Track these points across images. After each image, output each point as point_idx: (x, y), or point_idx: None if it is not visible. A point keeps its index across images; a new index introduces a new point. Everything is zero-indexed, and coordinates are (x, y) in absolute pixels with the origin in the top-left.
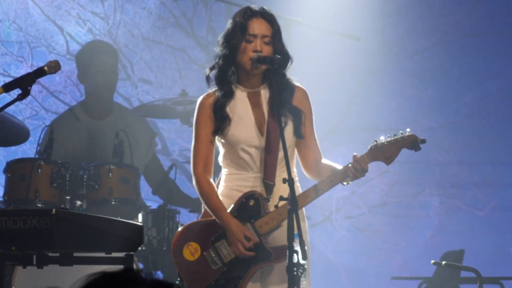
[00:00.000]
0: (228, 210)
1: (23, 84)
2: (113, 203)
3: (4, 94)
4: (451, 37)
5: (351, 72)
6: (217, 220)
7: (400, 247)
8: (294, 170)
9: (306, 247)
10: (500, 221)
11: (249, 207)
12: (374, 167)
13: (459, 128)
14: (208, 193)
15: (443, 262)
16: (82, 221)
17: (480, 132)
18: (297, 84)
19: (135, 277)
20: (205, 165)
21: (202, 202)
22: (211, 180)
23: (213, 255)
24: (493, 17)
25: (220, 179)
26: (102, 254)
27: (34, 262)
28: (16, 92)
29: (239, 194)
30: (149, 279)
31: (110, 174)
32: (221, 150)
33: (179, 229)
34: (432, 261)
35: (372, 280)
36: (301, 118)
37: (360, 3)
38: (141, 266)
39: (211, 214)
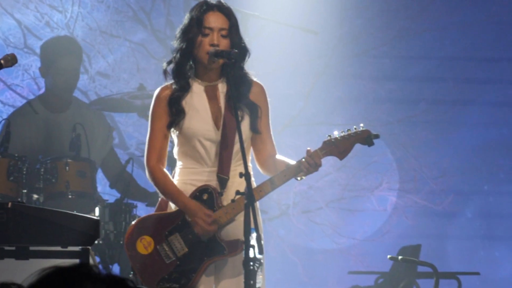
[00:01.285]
0: None
1: None
2: (70, 196)
3: None
4: (409, 31)
5: (308, 66)
6: (176, 205)
7: (357, 241)
8: (250, 165)
9: (262, 242)
10: (457, 215)
11: (203, 201)
12: (331, 161)
13: (417, 123)
14: (163, 181)
15: (400, 257)
16: (38, 214)
17: (437, 126)
18: (255, 79)
19: (89, 272)
20: (159, 157)
21: (158, 191)
22: (165, 170)
23: (167, 249)
24: (451, 10)
25: (174, 173)
26: (58, 248)
27: None
28: None
29: (193, 188)
30: (103, 273)
31: (67, 167)
32: (176, 142)
33: (133, 223)
34: (389, 256)
35: (330, 274)
36: (257, 113)
37: None
38: (98, 259)
39: (169, 200)
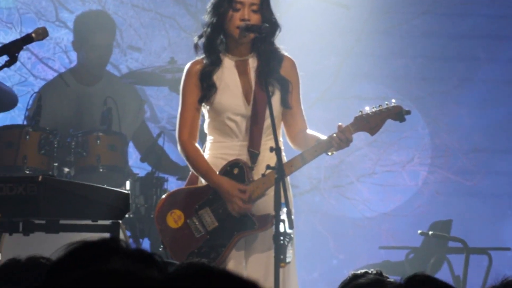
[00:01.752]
0: None
1: (10, 51)
2: (101, 170)
3: None
4: (440, 5)
5: (339, 40)
6: (208, 183)
7: (388, 216)
8: (281, 139)
9: (292, 216)
10: (489, 191)
11: (233, 175)
12: (363, 136)
13: (448, 97)
14: (195, 157)
15: (430, 232)
16: (68, 188)
17: (469, 101)
18: (285, 53)
19: (117, 246)
20: (190, 132)
21: (190, 167)
22: (197, 145)
23: (197, 223)
24: None
25: (205, 147)
26: (89, 222)
27: (20, 229)
28: (4, 58)
29: (224, 162)
30: (131, 248)
31: (98, 141)
32: (207, 117)
33: (163, 196)
34: (419, 231)
35: (360, 249)
36: (288, 88)
37: None
38: (128, 233)
39: (200, 177)
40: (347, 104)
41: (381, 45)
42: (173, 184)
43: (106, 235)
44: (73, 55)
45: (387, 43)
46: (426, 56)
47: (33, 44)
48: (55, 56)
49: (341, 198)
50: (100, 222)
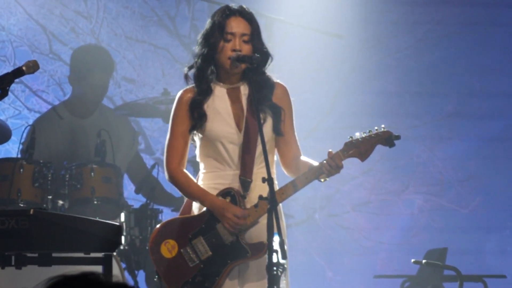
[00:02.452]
0: (205, 208)
1: (1, 84)
2: (95, 202)
3: None
4: (434, 34)
5: (334, 69)
6: (202, 204)
7: (383, 245)
8: (273, 170)
9: (285, 246)
10: (484, 218)
11: None
12: (358, 165)
13: (443, 125)
14: (186, 182)
15: (424, 261)
16: (60, 221)
17: (463, 129)
18: (277, 80)
19: (96, 280)
20: (179, 161)
21: (182, 193)
22: (186, 171)
23: (190, 252)
24: (477, 13)
25: (198, 178)
26: (81, 255)
27: (13, 263)
28: None
29: (217, 192)
30: (111, 282)
31: (92, 173)
32: (198, 145)
33: (157, 227)
34: (413, 260)
35: (356, 278)
36: (280, 115)
37: (342, 0)
38: (123, 265)
39: (194, 200)
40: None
41: (375, 75)
42: (168, 215)
43: (99, 267)
44: (67, 88)
45: (382, 72)
46: (420, 84)
47: (27, 76)
48: (49, 88)
49: (336, 228)
50: (93, 254)
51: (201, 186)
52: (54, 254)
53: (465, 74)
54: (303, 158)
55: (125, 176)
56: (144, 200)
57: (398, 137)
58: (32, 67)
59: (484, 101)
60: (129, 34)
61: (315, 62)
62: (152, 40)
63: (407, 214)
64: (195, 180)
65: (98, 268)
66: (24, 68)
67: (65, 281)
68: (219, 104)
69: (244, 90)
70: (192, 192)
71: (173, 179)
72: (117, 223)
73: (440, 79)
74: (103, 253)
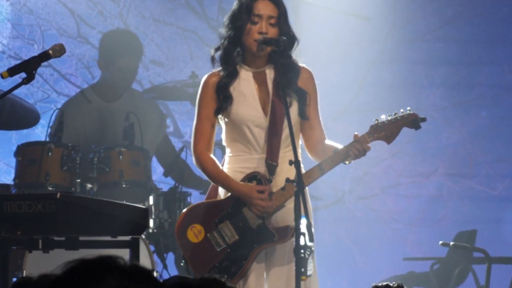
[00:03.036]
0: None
1: (27, 68)
2: (123, 185)
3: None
4: (463, 16)
5: (362, 52)
6: (227, 190)
7: (413, 227)
8: (299, 151)
9: (312, 229)
10: None
11: None
12: (387, 147)
13: (472, 107)
14: (212, 168)
15: (451, 243)
16: (86, 205)
17: (492, 110)
18: (303, 65)
19: (113, 264)
20: (206, 144)
21: (208, 177)
22: (213, 156)
23: (217, 237)
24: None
25: (224, 161)
26: (108, 238)
27: (40, 247)
28: (22, 75)
29: (242, 176)
30: (128, 265)
31: (121, 156)
32: (224, 129)
33: (183, 211)
34: (441, 242)
35: (386, 261)
36: (306, 99)
37: None
38: (152, 248)
39: (219, 186)
40: (371, 117)
41: (404, 56)
42: (196, 198)
43: (126, 251)
44: (96, 71)
45: (410, 53)
46: (449, 66)
47: (56, 60)
48: (77, 72)
49: (366, 210)
50: (120, 238)
51: (227, 169)
52: (81, 238)
53: (494, 54)
54: (328, 141)
55: (154, 159)
56: (172, 183)
57: (424, 119)
58: (59, 50)
59: None
60: (157, 17)
61: (343, 45)
62: (180, 23)
63: (436, 196)
64: (220, 165)
65: (126, 252)
66: (50, 51)
67: (83, 265)
68: (245, 88)
69: (270, 74)
70: (217, 178)
71: (199, 163)
72: (144, 206)
73: (469, 60)
74: (130, 237)
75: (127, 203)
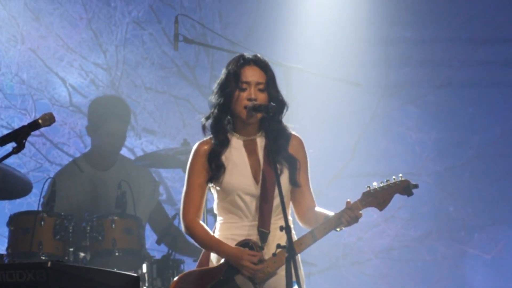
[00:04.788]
0: (223, 260)
1: (17, 137)
2: (117, 254)
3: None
4: (453, 80)
5: (354, 117)
6: (218, 254)
7: None
8: (290, 218)
9: None
10: (509, 263)
11: None
12: (380, 213)
13: (464, 171)
14: (203, 234)
15: None
16: (78, 273)
17: (485, 174)
18: (293, 132)
19: None
20: (196, 212)
21: (198, 244)
22: (202, 223)
23: None
24: (495, 64)
25: (215, 228)
26: None
27: None
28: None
29: (234, 243)
30: None
31: (113, 225)
32: (216, 197)
33: (175, 279)
34: None
35: None
36: (296, 166)
37: (362, 48)
38: None
39: (210, 251)
40: (364, 182)
41: (396, 121)
42: (190, 266)
43: None
44: (88, 140)
45: (402, 118)
46: (441, 130)
47: (48, 129)
48: (70, 141)
49: (360, 275)
50: None
51: (219, 236)
52: None
53: (485, 119)
54: (318, 208)
55: (148, 227)
56: (166, 250)
57: (416, 186)
58: (49, 119)
59: (504, 145)
60: (148, 85)
61: (335, 110)
62: (172, 90)
63: (430, 260)
64: (211, 231)
65: None
66: (40, 121)
67: None
68: (236, 156)
69: (260, 142)
70: (208, 243)
71: (189, 230)
72: (135, 274)
73: (462, 124)
74: None
75: (119, 271)
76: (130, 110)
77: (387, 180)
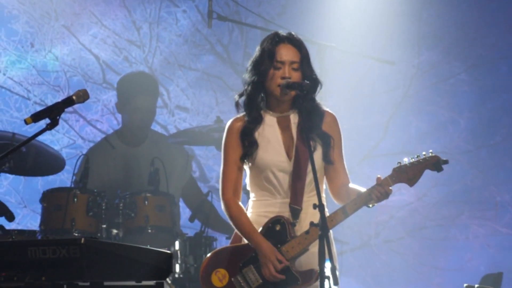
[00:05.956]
0: None
1: (51, 114)
2: (149, 231)
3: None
4: (486, 59)
5: (386, 96)
6: (249, 243)
7: (439, 270)
8: (323, 195)
9: (337, 272)
10: None
11: (276, 232)
12: (412, 191)
13: (496, 150)
14: (238, 216)
15: (476, 286)
16: (111, 250)
17: None
18: (327, 109)
19: None
20: (234, 190)
21: (232, 225)
22: (240, 203)
23: (241, 281)
24: None
25: (248, 205)
26: (133, 283)
27: None
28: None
29: (266, 220)
30: None
31: (146, 202)
32: (249, 174)
33: (207, 255)
34: (465, 285)
35: None
36: (330, 143)
37: (395, 27)
38: None
39: (243, 237)
40: (395, 160)
41: (428, 100)
42: (222, 243)
43: None
44: (121, 117)
45: (434, 96)
46: (473, 110)
47: (81, 106)
48: (103, 118)
49: (391, 254)
50: (144, 283)
51: (251, 214)
52: (105, 283)
53: None
54: (351, 185)
55: (181, 205)
56: (198, 228)
57: (446, 162)
58: (82, 96)
59: None
60: (182, 62)
61: (368, 89)
62: (205, 68)
63: (462, 239)
64: (246, 213)
65: None
66: (74, 97)
67: None
68: (270, 133)
69: (293, 118)
70: (242, 228)
71: (226, 209)
72: (168, 251)
73: (493, 104)
74: (154, 281)
75: (151, 248)
76: (158, 84)
77: (417, 156)
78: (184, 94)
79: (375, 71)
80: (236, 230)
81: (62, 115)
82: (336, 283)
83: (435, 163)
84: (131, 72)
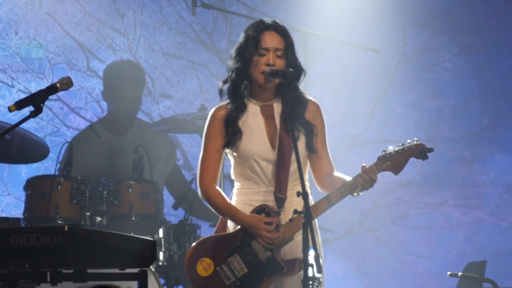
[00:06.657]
0: (240, 226)
1: (35, 101)
2: (133, 218)
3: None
4: (471, 47)
5: (371, 84)
6: (233, 221)
7: (423, 259)
8: (307, 183)
9: (320, 260)
10: None
11: None
12: (396, 179)
13: (481, 139)
14: (219, 200)
15: (460, 274)
16: (94, 237)
17: (502, 142)
18: (310, 97)
19: None
20: (212, 177)
21: (214, 210)
22: (218, 187)
23: (226, 270)
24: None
25: (232, 194)
26: (116, 270)
27: (48, 280)
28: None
29: (251, 208)
30: None
31: (130, 189)
32: (233, 163)
33: (192, 245)
34: (449, 273)
35: None
36: (313, 132)
37: (379, 15)
38: (162, 281)
39: (226, 218)
40: (380, 148)
41: (412, 88)
42: (206, 231)
43: (134, 283)
44: (105, 105)
45: (419, 85)
46: (458, 98)
47: (65, 94)
48: (87, 105)
49: (376, 242)
50: (128, 270)
51: (236, 202)
52: (89, 270)
53: (502, 86)
54: (336, 173)
55: (165, 193)
56: (182, 216)
57: (431, 150)
58: (66, 83)
59: None
60: (166, 50)
61: (352, 76)
62: (190, 56)
63: (446, 228)
64: (229, 198)
65: (134, 284)
66: (58, 84)
67: None
68: (253, 122)
69: (277, 107)
70: (224, 210)
71: (205, 196)
72: (151, 239)
73: (477, 92)
74: (138, 269)
75: (135, 235)
76: (145, 74)
77: (402, 144)
78: (169, 82)
79: (360, 59)
80: (217, 213)
81: (46, 103)
82: (319, 271)
83: (420, 151)
84: (118, 60)
